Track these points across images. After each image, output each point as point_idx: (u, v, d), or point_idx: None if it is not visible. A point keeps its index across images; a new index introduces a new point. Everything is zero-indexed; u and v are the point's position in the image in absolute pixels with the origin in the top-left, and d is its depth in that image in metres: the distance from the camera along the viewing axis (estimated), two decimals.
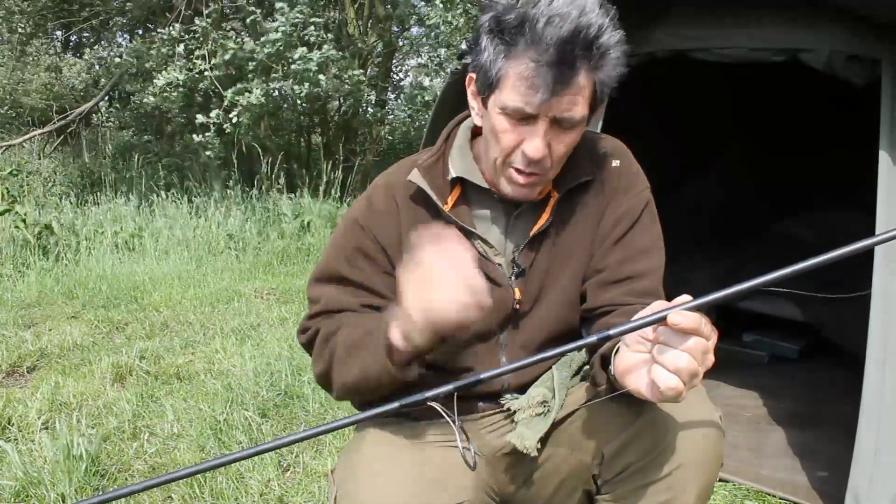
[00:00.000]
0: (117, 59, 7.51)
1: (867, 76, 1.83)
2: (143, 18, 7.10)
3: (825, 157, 3.47)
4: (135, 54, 6.70)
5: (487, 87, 1.05)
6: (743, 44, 1.97)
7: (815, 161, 3.52)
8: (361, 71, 6.42)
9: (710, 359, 0.79)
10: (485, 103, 1.08)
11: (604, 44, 0.99)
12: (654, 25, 2.10)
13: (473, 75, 1.09)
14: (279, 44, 5.79)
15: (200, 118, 5.89)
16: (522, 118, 1.02)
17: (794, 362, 3.03)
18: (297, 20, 5.86)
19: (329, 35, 6.41)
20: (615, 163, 1.18)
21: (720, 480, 1.99)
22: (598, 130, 2.08)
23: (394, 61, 8.94)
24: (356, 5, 7.44)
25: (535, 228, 1.15)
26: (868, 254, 1.61)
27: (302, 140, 7.65)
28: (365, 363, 1.04)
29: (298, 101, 6.08)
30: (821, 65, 1.86)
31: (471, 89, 1.12)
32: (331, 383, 1.14)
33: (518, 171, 1.07)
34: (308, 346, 1.21)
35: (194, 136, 6.06)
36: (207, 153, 6.02)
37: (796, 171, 3.62)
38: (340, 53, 6.26)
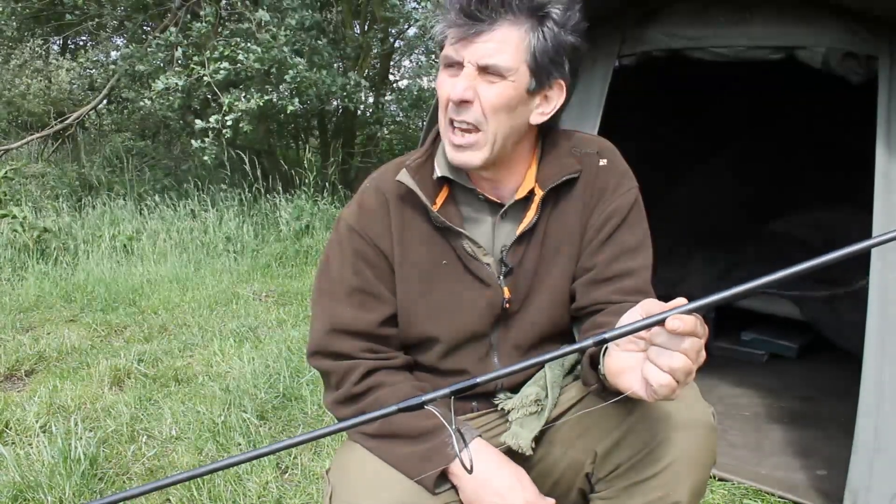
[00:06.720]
0: (112, 64, 7.47)
1: (864, 73, 1.83)
2: (140, 21, 7.06)
3: (822, 156, 3.47)
4: (128, 61, 6.66)
5: (439, 52, 1.10)
6: (739, 42, 1.97)
7: (812, 159, 3.52)
8: (339, 64, 6.36)
9: (703, 355, 0.79)
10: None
11: None
12: (648, 24, 2.10)
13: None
14: (268, 63, 5.80)
15: (200, 123, 5.86)
16: (451, 65, 1.07)
17: (793, 361, 3.02)
18: (286, 34, 5.83)
19: (321, 38, 6.35)
20: (602, 162, 1.18)
21: (719, 479, 1.99)
22: (595, 132, 2.08)
23: (391, 62, 8.92)
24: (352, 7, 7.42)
25: (522, 227, 1.15)
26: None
27: (300, 141, 7.66)
28: (406, 464, 1.06)
29: (290, 110, 6.05)
30: (818, 62, 1.86)
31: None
32: (343, 418, 1.13)
33: (453, 127, 1.09)
34: (326, 375, 1.18)
35: (193, 141, 6.03)
36: (205, 158, 6.01)
37: (793, 169, 3.62)
38: (323, 47, 6.19)
